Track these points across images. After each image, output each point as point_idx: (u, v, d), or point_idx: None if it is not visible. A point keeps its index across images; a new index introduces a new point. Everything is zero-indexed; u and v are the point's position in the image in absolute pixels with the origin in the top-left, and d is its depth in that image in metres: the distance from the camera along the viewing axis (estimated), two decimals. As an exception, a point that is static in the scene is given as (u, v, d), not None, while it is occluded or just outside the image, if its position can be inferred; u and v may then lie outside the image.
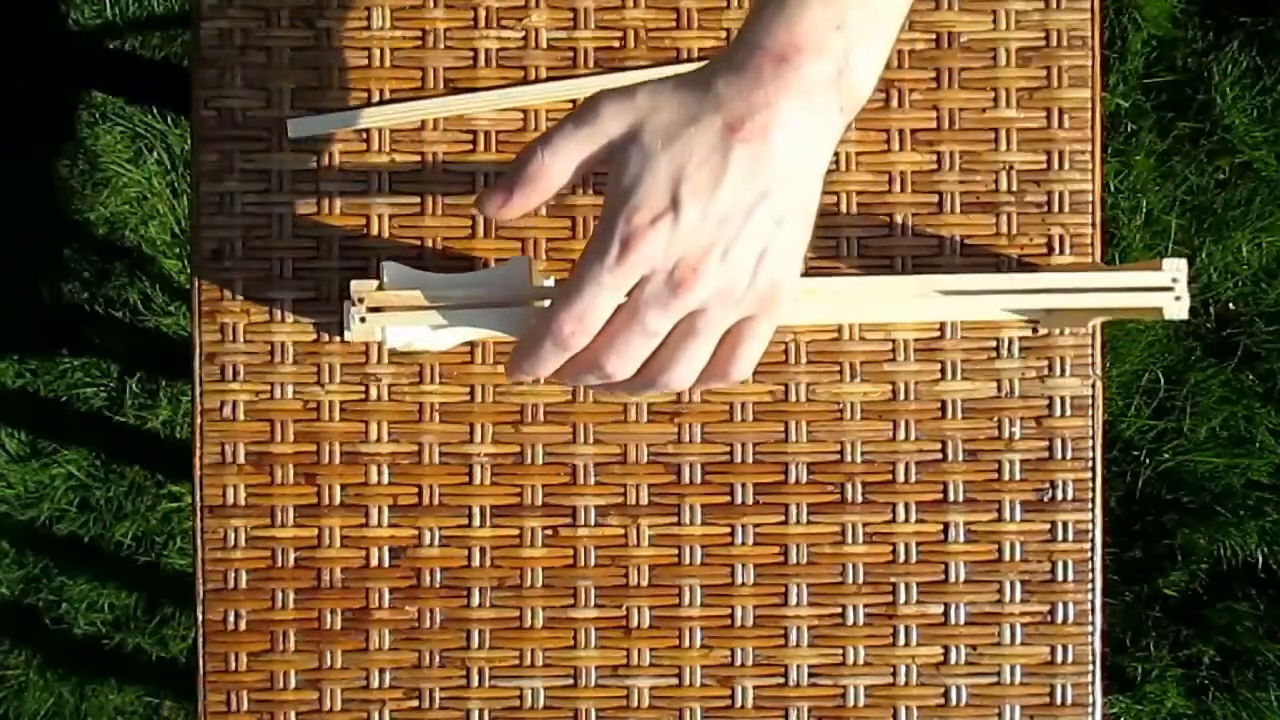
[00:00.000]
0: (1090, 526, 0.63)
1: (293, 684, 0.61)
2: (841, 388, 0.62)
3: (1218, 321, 1.39)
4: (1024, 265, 0.62)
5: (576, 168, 0.41)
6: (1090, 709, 0.62)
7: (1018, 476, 0.63)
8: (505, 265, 0.50)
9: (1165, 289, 0.52)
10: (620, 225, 0.38)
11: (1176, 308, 0.52)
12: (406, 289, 0.48)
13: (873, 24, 0.40)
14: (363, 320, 0.49)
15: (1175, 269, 0.52)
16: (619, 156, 0.40)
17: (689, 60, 0.62)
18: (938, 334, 0.62)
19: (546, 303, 0.43)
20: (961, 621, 0.62)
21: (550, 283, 0.50)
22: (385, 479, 0.62)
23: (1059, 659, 0.63)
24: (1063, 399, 0.62)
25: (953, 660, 0.62)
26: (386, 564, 0.62)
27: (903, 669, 0.62)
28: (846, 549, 0.62)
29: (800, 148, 0.39)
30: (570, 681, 0.62)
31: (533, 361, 0.41)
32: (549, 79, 0.62)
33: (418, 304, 0.48)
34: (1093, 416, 0.62)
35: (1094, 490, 0.63)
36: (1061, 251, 0.62)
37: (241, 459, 0.61)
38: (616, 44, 0.62)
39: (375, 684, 0.62)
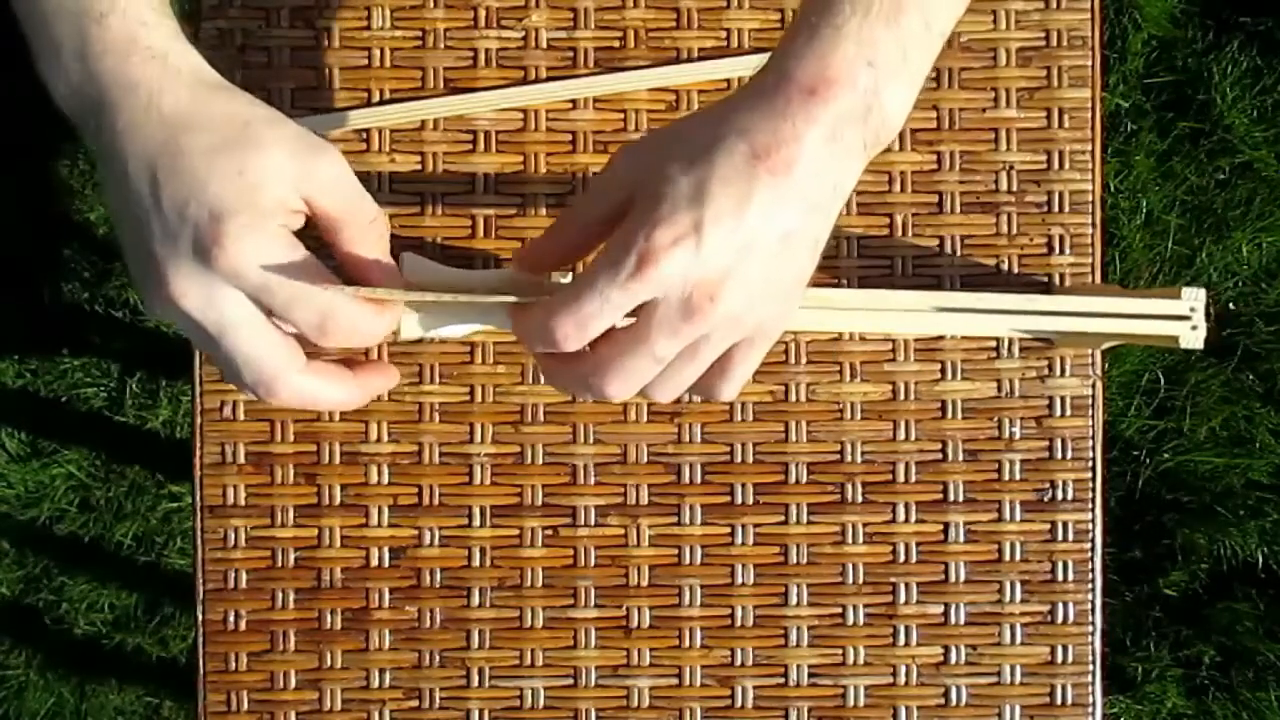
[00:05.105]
0: (1090, 526, 0.63)
1: (293, 684, 0.61)
2: (841, 388, 0.62)
3: (1218, 321, 1.38)
4: (1035, 284, 0.62)
5: (603, 218, 0.41)
6: (1090, 709, 0.62)
7: (1018, 476, 0.63)
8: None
9: (1183, 318, 0.51)
10: (639, 241, 0.37)
11: (1193, 337, 0.51)
12: (426, 280, 0.48)
13: (904, 62, 0.39)
14: None
15: (1194, 298, 0.51)
16: (640, 181, 0.39)
17: (689, 60, 0.62)
18: (938, 334, 0.62)
19: None
20: (961, 621, 0.62)
21: (568, 279, 0.49)
22: (385, 479, 0.62)
23: (1059, 659, 0.63)
24: (1063, 399, 0.62)
25: (953, 660, 0.62)
26: (386, 564, 0.62)
27: (903, 669, 0.62)
28: (846, 549, 0.62)
29: (822, 183, 0.38)
30: (570, 681, 0.62)
31: (526, 340, 0.42)
32: (549, 79, 0.62)
33: (438, 298, 0.47)
34: (1093, 416, 0.62)
35: (1094, 490, 0.63)
36: (1062, 251, 0.62)
37: (241, 459, 0.61)
38: (616, 44, 0.62)
39: (375, 684, 0.62)
